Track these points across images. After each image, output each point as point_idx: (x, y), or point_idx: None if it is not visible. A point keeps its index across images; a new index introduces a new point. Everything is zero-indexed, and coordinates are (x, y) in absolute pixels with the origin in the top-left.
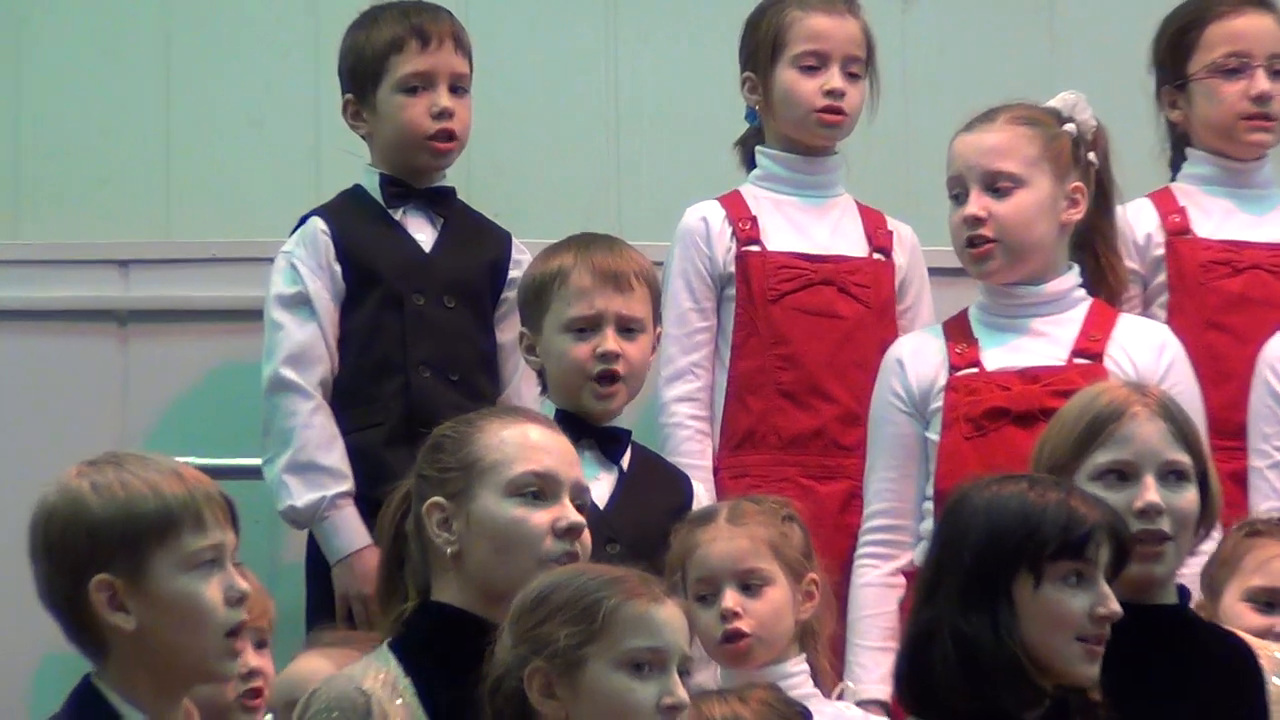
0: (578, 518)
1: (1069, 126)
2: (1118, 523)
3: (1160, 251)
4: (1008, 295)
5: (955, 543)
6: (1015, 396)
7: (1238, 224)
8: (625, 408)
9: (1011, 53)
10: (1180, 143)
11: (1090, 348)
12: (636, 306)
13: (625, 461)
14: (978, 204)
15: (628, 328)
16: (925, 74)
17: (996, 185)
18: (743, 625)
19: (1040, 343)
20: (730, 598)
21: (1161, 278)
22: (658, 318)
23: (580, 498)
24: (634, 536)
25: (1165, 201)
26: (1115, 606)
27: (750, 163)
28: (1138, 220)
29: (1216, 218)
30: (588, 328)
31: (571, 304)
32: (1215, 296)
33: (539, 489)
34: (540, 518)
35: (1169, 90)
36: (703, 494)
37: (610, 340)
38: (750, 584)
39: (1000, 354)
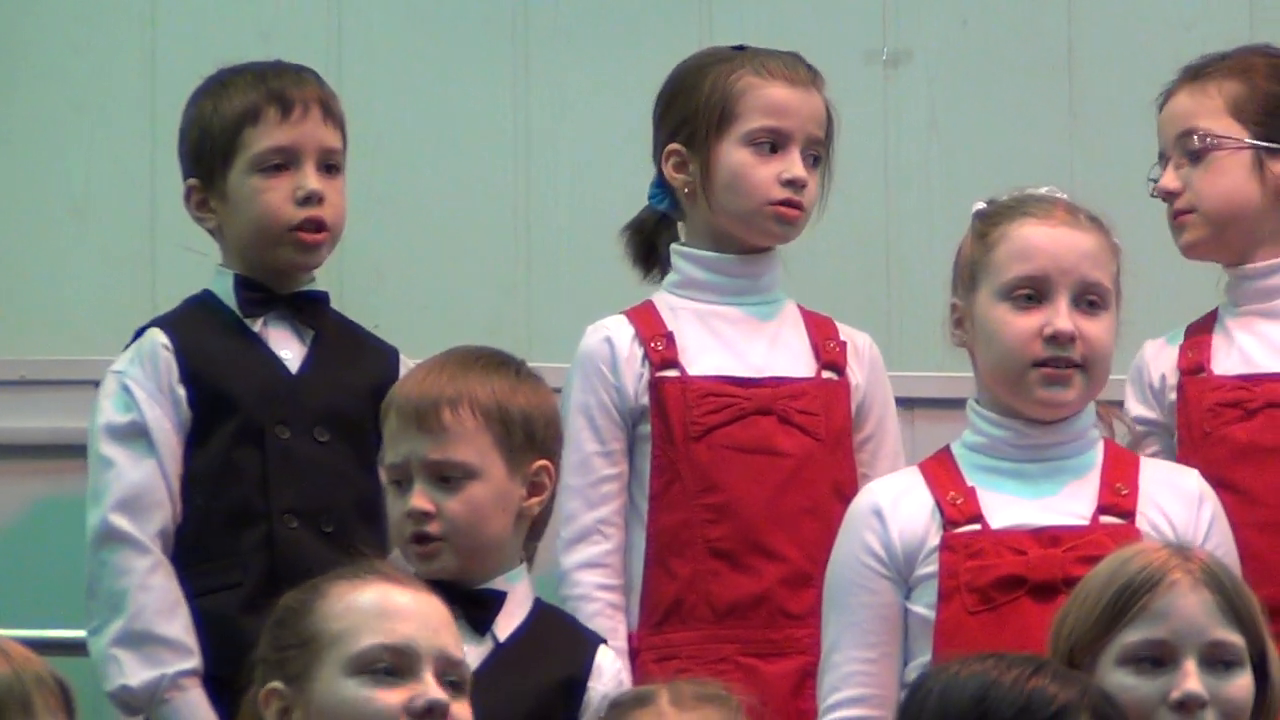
0: (438, 694)
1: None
2: (1104, 705)
3: (1174, 396)
4: (1023, 433)
5: None
6: (1033, 563)
7: (1266, 351)
8: (517, 563)
9: (1021, 130)
10: None
11: (1119, 504)
12: (451, 449)
13: (504, 632)
14: (1070, 318)
15: (446, 476)
16: (913, 154)
17: (1088, 298)
18: None
19: (1056, 495)
20: None
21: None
22: (527, 454)
23: (454, 672)
24: None
25: (1196, 330)
26: None
27: (644, 259)
28: (1156, 358)
29: (1247, 348)
30: (400, 479)
31: (386, 448)
32: (1223, 447)
33: (391, 664)
34: (390, 697)
35: None
36: (607, 664)
37: (416, 496)
38: None
39: (1007, 507)
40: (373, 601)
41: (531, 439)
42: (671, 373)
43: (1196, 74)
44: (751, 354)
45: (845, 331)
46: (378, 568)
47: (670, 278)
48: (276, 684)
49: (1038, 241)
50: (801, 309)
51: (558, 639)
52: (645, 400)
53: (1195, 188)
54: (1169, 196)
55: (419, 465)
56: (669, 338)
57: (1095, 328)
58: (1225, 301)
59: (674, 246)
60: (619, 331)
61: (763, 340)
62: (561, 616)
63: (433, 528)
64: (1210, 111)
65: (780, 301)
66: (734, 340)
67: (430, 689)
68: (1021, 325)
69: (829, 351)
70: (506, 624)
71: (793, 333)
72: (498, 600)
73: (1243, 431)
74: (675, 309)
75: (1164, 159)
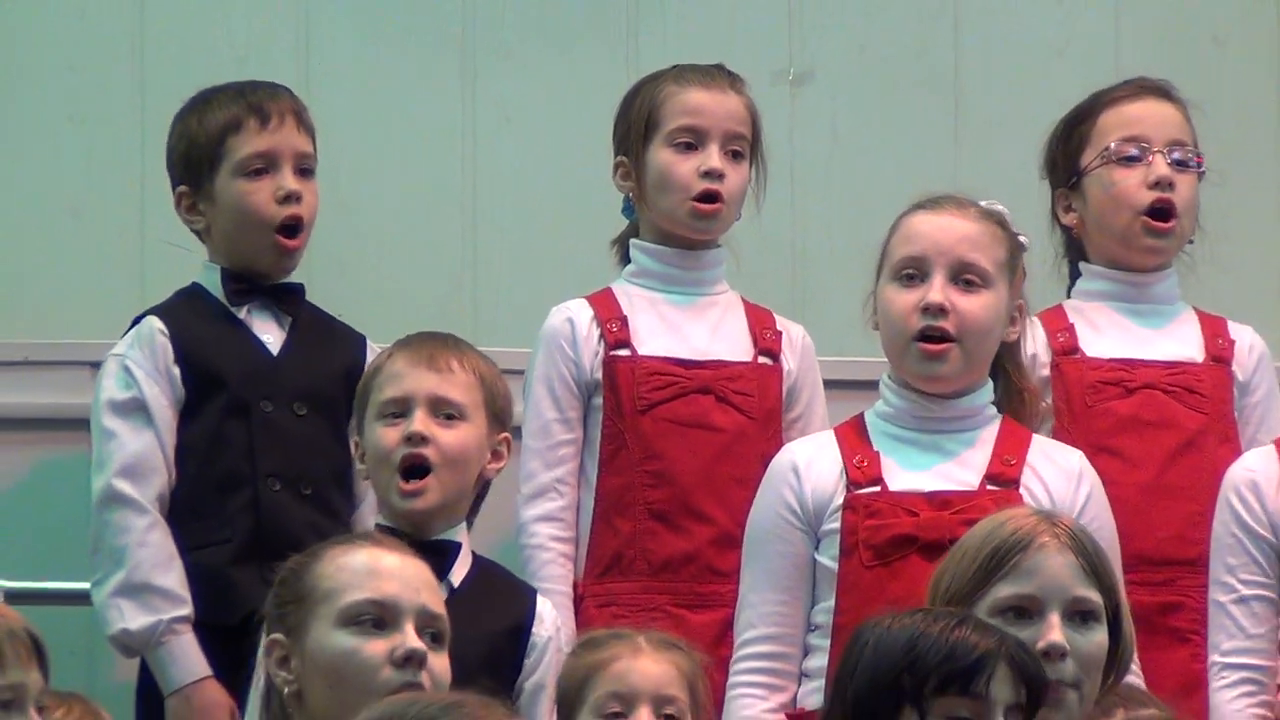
0: (417, 644)
1: (1023, 239)
2: (1021, 653)
3: (1045, 373)
4: (923, 405)
5: (842, 682)
6: (924, 524)
7: (1132, 340)
8: (460, 519)
9: (913, 142)
10: (1076, 256)
11: (1005, 473)
12: (454, 390)
13: (458, 578)
14: (944, 293)
15: (445, 413)
16: (817, 163)
17: (965, 278)
18: None
19: (949, 463)
20: (647, 715)
21: (1047, 401)
22: (498, 423)
23: (434, 626)
24: (455, 663)
25: (1054, 319)
26: None
27: (628, 262)
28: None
29: (1110, 335)
30: (400, 412)
31: (384, 389)
32: (1104, 419)
33: (377, 617)
34: (376, 647)
35: (1063, 193)
36: (546, 612)
37: (418, 421)
38: (667, 714)
39: (905, 472)
40: (362, 562)
41: (500, 413)
42: (623, 352)
43: (1168, 94)
44: (695, 338)
45: (782, 323)
46: (369, 535)
47: (628, 268)
48: (278, 636)
49: (921, 227)
50: (744, 301)
51: (501, 587)
52: (599, 375)
53: (1183, 195)
54: (1170, 185)
55: (423, 398)
56: (623, 321)
57: (971, 303)
58: (1081, 294)
59: (632, 240)
60: (579, 313)
61: (706, 327)
62: (498, 567)
63: (429, 452)
64: (1190, 135)
65: (724, 293)
66: (680, 325)
67: (410, 639)
68: (903, 300)
69: (765, 340)
70: (459, 572)
71: (734, 321)
72: (454, 549)
73: (1124, 406)
74: (631, 295)
75: (1141, 148)
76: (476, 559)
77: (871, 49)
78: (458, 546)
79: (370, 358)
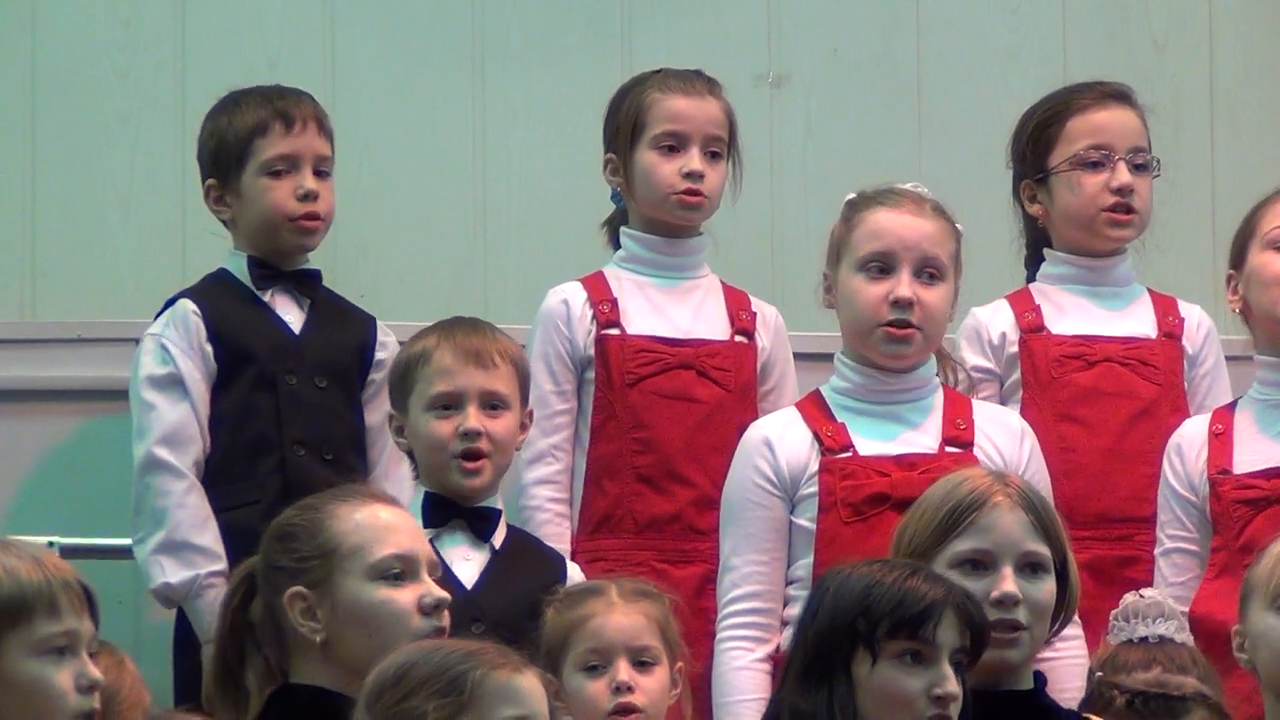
0: (442, 593)
1: (959, 227)
2: (966, 603)
3: (1014, 349)
4: (880, 380)
5: (804, 624)
6: (896, 483)
7: (1092, 319)
8: (498, 489)
9: (880, 138)
10: (1038, 241)
11: (960, 436)
12: (500, 383)
13: (498, 541)
14: (910, 287)
15: (492, 404)
16: (793, 156)
17: (928, 271)
18: (636, 700)
19: (908, 429)
20: (625, 670)
21: (1016, 375)
22: (526, 400)
23: (435, 572)
24: (500, 615)
25: (1021, 301)
26: (952, 687)
27: (617, 244)
28: (993, 320)
29: (1072, 315)
30: (451, 405)
31: (434, 383)
32: (1067, 390)
33: (401, 570)
34: (406, 596)
35: (1029, 184)
36: (577, 575)
37: (472, 418)
38: (642, 660)
39: (870, 438)
40: (375, 517)
41: (528, 392)
42: (613, 331)
43: (1131, 101)
44: (678, 319)
45: (757, 304)
46: (364, 492)
47: (618, 253)
48: (299, 588)
49: (886, 224)
50: (723, 283)
51: (533, 550)
52: (591, 352)
53: (1142, 196)
54: (1131, 191)
55: (475, 393)
56: (614, 303)
57: (932, 295)
58: (1046, 278)
59: (622, 229)
60: (574, 295)
61: (688, 308)
62: (526, 533)
63: (483, 444)
64: (1147, 139)
65: (705, 277)
66: (664, 306)
67: (433, 588)
68: (871, 292)
69: (741, 320)
70: (500, 535)
71: (713, 303)
72: (496, 515)
73: (1085, 378)
74: (620, 279)
75: (1105, 155)
76: (509, 525)
77: (843, 54)
78: (499, 513)
79: (380, 337)
